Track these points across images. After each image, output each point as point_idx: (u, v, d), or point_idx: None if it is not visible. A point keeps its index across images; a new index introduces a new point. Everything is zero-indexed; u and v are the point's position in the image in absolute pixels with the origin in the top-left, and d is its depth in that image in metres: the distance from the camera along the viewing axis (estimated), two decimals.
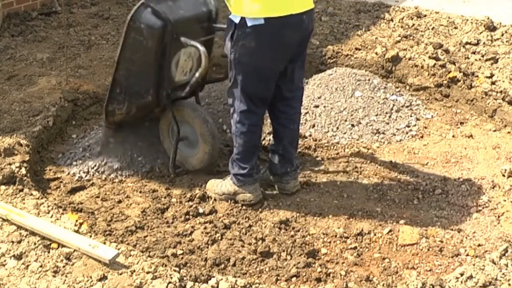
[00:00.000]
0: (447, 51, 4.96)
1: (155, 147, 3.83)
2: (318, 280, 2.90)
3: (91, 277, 2.60)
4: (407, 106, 4.49)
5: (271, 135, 4.14)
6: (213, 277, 2.68)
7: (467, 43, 5.14)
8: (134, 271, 2.63)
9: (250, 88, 3.24)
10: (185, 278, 2.62)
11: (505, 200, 3.52)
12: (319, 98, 4.45)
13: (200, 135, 3.63)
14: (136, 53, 3.42)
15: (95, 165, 3.75)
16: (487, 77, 4.62)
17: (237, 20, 3.07)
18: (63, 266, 2.68)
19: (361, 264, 3.04)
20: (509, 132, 4.24)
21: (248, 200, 3.43)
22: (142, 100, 3.56)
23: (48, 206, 3.15)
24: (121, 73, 3.49)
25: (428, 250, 3.14)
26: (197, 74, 3.41)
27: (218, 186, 3.49)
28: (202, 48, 3.32)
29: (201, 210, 3.41)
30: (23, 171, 3.46)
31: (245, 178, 3.40)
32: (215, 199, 3.51)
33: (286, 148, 3.50)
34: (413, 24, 5.58)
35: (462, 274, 2.66)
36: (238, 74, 3.21)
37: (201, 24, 3.56)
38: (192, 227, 3.26)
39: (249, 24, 3.05)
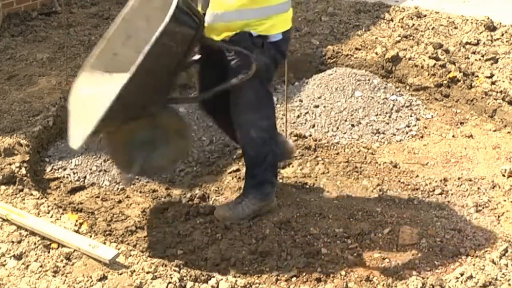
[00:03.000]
0: (447, 51, 4.96)
1: None
2: (318, 280, 2.90)
3: (91, 277, 2.60)
4: (407, 106, 4.49)
5: None
6: (213, 277, 2.68)
7: (467, 43, 5.14)
8: (134, 271, 2.63)
9: (265, 96, 3.21)
10: (185, 278, 2.62)
11: (505, 200, 3.52)
12: (319, 98, 4.45)
13: (175, 131, 3.24)
14: (160, 61, 2.91)
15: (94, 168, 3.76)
16: (487, 77, 4.62)
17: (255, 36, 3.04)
18: (63, 266, 2.68)
19: (361, 264, 3.04)
20: (509, 132, 4.24)
21: (272, 209, 3.38)
22: (144, 112, 3.07)
23: (48, 206, 3.15)
24: (131, 88, 2.81)
25: (428, 250, 3.14)
26: (236, 80, 3.06)
27: (239, 213, 3.28)
28: (252, 55, 3.02)
29: (201, 210, 3.41)
30: (23, 171, 3.46)
31: (274, 188, 3.36)
32: (215, 199, 3.52)
33: None
34: (413, 24, 5.58)
35: (462, 274, 2.66)
36: (256, 84, 3.11)
37: None
38: (192, 227, 3.26)
39: (271, 40, 3.06)
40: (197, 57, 3.25)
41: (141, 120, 3.09)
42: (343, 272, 2.96)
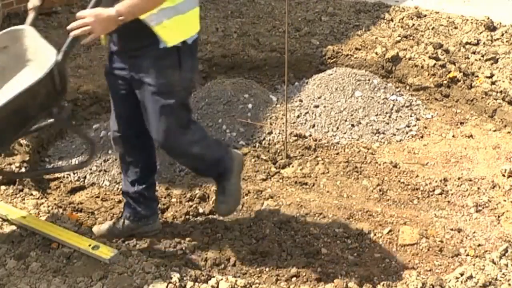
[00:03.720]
0: (447, 51, 4.96)
1: None
2: (318, 280, 2.91)
3: (91, 277, 2.60)
4: (407, 106, 4.49)
5: (272, 134, 4.15)
6: (213, 277, 2.68)
7: (467, 43, 5.14)
8: (134, 271, 2.63)
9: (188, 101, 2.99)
10: (185, 278, 2.62)
11: (505, 200, 3.52)
12: (319, 98, 4.45)
13: None
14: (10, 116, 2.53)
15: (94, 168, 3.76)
16: (487, 77, 4.62)
17: (180, 45, 2.71)
18: (63, 266, 2.67)
19: (361, 264, 3.04)
20: (509, 132, 4.24)
21: (241, 160, 3.18)
22: None
23: (48, 206, 3.15)
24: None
25: (428, 250, 3.14)
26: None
27: (236, 197, 3.13)
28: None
29: (201, 210, 3.41)
30: (23, 171, 3.46)
31: (229, 153, 3.12)
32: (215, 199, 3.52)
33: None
34: (413, 24, 5.58)
35: (462, 274, 2.66)
36: (186, 96, 2.90)
37: None
38: (192, 227, 3.26)
39: (189, 42, 2.75)
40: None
41: None
42: (343, 272, 2.96)
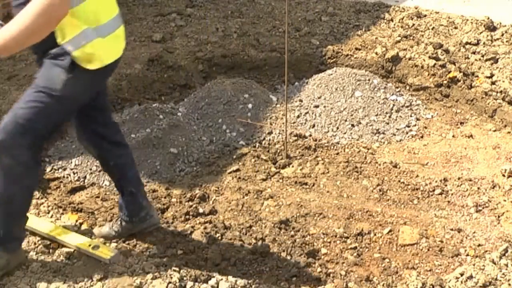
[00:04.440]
0: (447, 51, 4.96)
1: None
2: (318, 280, 2.91)
3: (91, 277, 2.60)
4: (407, 106, 4.49)
5: (271, 135, 4.16)
6: (213, 277, 2.68)
7: (467, 43, 5.14)
8: (134, 271, 2.63)
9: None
10: (185, 278, 2.62)
11: (505, 200, 3.52)
12: (319, 98, 4.45)
13: None
14: None
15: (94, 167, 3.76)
16: (487, 77, 4.62)
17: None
18: (63, 266, 2.68)
19: (361, 264, 3.04)
20: (509, 132, 4.24)
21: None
22: None
23: (48, 206, 3.15)
24: None
25: (428, 250, 3.14)
26: None
27: None
28: None
29: (201, 210, 3.41)
30: None
31: None
32: (215, 199, 3.52)
33: None
34: (413, 24, 5.58)
35: (462, 274, 2.66)
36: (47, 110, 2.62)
37: None
38: (192, 227, 3.26)
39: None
40: None
41: None
42: (343, 272, 2.97)
